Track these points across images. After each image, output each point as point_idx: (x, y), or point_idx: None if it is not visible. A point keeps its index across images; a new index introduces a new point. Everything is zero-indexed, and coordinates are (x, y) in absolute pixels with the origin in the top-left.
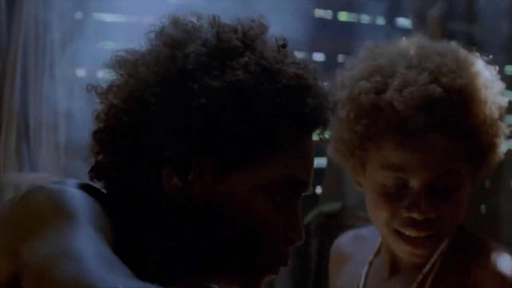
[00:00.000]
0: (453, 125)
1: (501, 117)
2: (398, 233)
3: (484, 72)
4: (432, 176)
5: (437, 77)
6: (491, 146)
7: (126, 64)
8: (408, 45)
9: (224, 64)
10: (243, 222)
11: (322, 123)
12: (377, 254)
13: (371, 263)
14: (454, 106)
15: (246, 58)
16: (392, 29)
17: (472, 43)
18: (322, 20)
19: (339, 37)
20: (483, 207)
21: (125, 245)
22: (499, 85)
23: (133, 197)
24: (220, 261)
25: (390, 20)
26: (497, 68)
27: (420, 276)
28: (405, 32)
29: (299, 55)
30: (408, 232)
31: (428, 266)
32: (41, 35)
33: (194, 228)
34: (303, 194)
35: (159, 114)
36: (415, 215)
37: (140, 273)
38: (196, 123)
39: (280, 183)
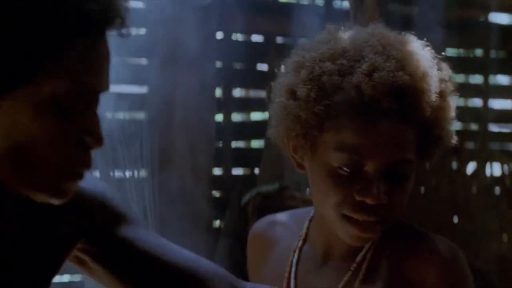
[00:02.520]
0: (413, 114)
1: (452, 114)
2: (346, 217)
3: (444, 67)
4: (388, 163)
5: (404, 65)
6: (439, 140)
7: None
8: (371, 31)
9: None
10: (30, 138)
11: (111, 20)
12: (305, 240)
13: (300, 250)
14: (417, 95)
15: None
16: (330, 10)
17: (409, 25)
18: (261, 1)
19: (278, 18)
20: (422, 188)
21: None
22: (454, 83)
23: None
24: (20, 177)
25: (329, 1)
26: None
27: (354, 265)
28: (344, 13)
29: (236, 36)
30: (358, 217)
31: (361, 254)
32: None
33: None
34: (99, 97)
35: None
36: (368, 200)
37: None
38: None
39: (65, 95)
